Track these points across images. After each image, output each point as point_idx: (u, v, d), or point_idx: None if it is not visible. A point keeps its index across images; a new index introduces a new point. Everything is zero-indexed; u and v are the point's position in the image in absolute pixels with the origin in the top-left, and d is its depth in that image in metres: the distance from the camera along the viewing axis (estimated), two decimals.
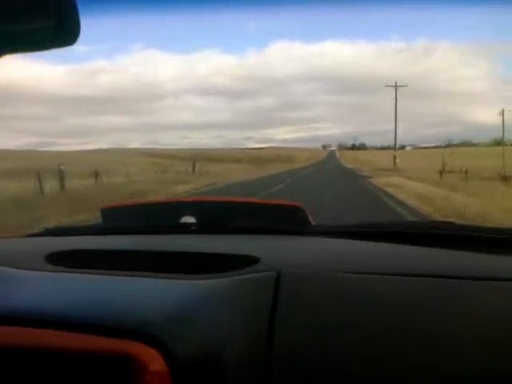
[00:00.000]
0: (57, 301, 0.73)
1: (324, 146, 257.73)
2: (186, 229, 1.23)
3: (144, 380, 0.56)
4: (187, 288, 0.77)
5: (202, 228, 1.22)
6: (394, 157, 31.95)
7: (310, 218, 1.25)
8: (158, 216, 1.37)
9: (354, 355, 0.64)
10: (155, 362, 0.57)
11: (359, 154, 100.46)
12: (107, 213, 1.41)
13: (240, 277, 0.80)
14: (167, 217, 1.34)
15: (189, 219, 1.24)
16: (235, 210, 1.35)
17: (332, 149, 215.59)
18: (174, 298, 0.73)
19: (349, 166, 46.54)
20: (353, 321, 0.69)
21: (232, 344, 0.65)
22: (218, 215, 1.29)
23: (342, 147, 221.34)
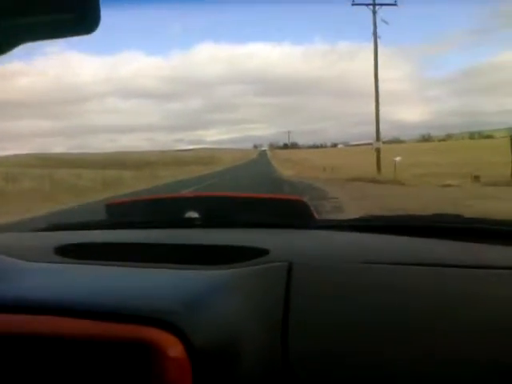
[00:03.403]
0: (73, 290, 0.73)
1: (255, 146, 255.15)
2: (191, 223, 1.22)
3: (163, 366, 0.57)
4: (201, 278, 0.77)
5: (206, 222, 1.21)
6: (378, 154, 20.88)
7: (314, 212, 1.24)
8: (162, 211, 1.37)
9: (367, 342, 0.65)
10: (174, 348, 0.58)
11: (293, 153, 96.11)
12: (112, 208, 1.43)
13: (252, 267, 0.80)
14: (171, 212, 1.35)
15: (193, 214, 1.24)
16: (239, 205, 1.35)
17: (263, 149, 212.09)
18: (189, 287, 0.73)
19: (284, 172, 29.93)
20: (365, 309, 0.69)
21: (248, 332, 0.66)
22: (222, 209, 1.30)
23: (273, 147, 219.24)
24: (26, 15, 0.50)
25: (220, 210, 1.31)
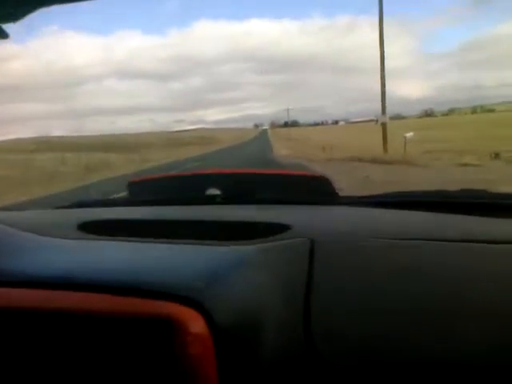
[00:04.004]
0: (95, 266, 0.73)
1: (256, 125, 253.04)
2: (212, 200, 1.22)
3: (185, 341, 0.57)
4: (222, 254, 0.77)
5: (227, 199, 1.22)
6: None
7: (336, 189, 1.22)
8: (183, 188, 1.38)
9: (391, 319, 0.64)
10: (196, 323, 0.58)
11: (293, 131, 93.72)
12: (134, 186, 1.42)
13: (274, 243, 0.80)
14: (193, 188, 1.35)
15: (214, 191, 1.25)
16: (260, 181, 1.33)
17: (264, 127, 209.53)
18: (211, 263, 0.73)
19: (281, 152, 27.51)
20: (388, 285, 0.69)
21: (270, 308, 0.65)
22: (244, 186, 1.30)
23: (274, 125, 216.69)
24: None
25: (242, 186, 1.30)
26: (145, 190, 1.42)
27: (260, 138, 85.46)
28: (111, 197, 1.81)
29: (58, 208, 1.40)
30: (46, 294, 0.64)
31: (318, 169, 12.06)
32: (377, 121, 19.45)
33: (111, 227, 0.98)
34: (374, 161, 14.62)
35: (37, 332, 0.62)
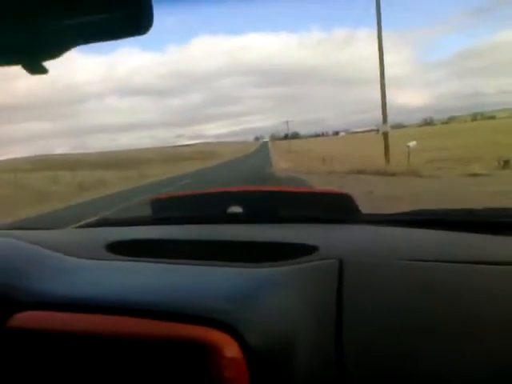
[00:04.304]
0: (126, 289, 0.74)
1: (257, 138, 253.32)
2: (237, 218, 1.22)
3: (220, 366, 0.58)
4: (252, 276, 0.77)
5: (250, 217, 1.22)
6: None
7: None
8: (205, 206, 1.37)
9: (421, 341, 0.63)
10: (231, 348, 0.59)
11: (294, 143, 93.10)
12: (157, 204, 1.43)
13: (302, 265, 0.80)
14: (215, 206, 1.34)
15: (236, 209, 1.24)
16: (283, 199, 1.32)
17: (265, 140, 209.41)
18: (241, 286, 0.73)
19: (280, 165, 26.40)
20: (418, 307, 0.68)
21: (302, 330, 0.65)
22: (266, 204, 1.29)
23: (274, 138, 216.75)
24: (79, 15, 0.49)
25: (265, 204, 1.29)
26: (168, 207, 1.42)
27: (260, 150, 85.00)
28: (134, 216, 1.61)
29: (82, 227, 1.42)
30: (76, 318, 0.65)
31: (317, 184, 11.30)
32: (377, 130, 18.56)
33: (136, 247, 0.99)
34: (377, 173, 13.86)
35: (64, 355, 0.63)
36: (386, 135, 17.14)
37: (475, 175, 11.62)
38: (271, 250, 0.91)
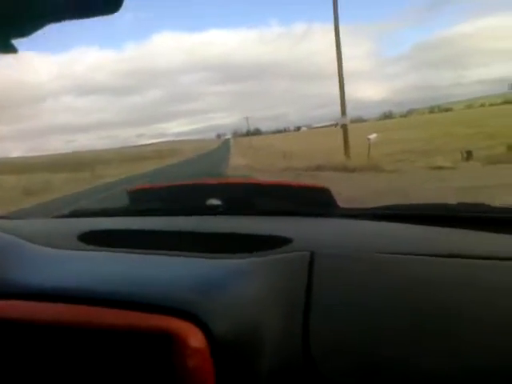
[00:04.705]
0: (95, 278, 0.74)
1: (218, 136, 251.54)
2: (213, 210, 1.22)
3: (185, 356, 0.58)
4: (221, 267, 0.77)
5: (228, 209, 1.21)
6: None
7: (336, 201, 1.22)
8: (183, 198, 1.37)
9: (390, 334, 0.63)
10: (195, 338, 0.59)
11: (255, 139, 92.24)
12: (133, 195, 1.42)
13: (274, 256, 0.80)
14: (193, 198, 1.34)
15: (215, 201, 1.24)
16: (261, 192, 1.34)
17: (227, 137, 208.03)
18: (210, 277, 0.73)
19: (236, 162, 26.27)
20: (389, 300, 0.68)
21: (269, 320, 0.65)
22: (244, 197, 1.30)
23: (236, 135, 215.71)
24: None
25: (243, 197, 1.30)
26: (144, 199, 1.41)
27: (221, 148, 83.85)
28: (110, 207, 1.36)
29: (58, 217, 1.39)
30: (41, 307, 0.65)
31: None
32: (337, 124, 17.69)
33: (110, 238, 0.98)
34: (336, 169, 12.94)
35: (33, 344, 0.63)
36: (345, 128, 16.30)
37: (439, 168, 10.94)
38: (244, 241, 0.91)
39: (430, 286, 0.70)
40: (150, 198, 1.39)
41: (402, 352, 0.61)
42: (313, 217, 1.14)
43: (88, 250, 0.91)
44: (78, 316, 0.63)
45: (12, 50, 0.52)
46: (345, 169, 12.76)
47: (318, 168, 13.70)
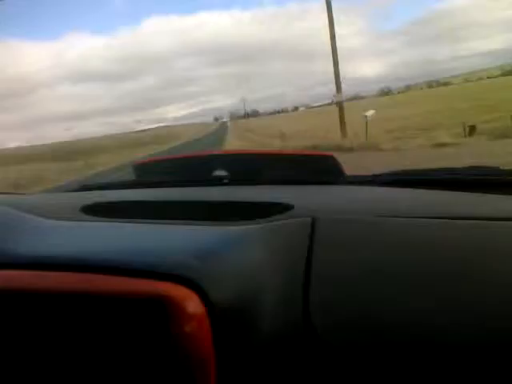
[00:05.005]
0: (92, 246, 0.74)
1: (216, 119, 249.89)
2: (219, 181, 1.22)
3: (181, 321, 0.58)
4: (221, 233, 0.77)
5: (234, 180, 1.21)
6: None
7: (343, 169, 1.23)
8: (189, 169, 1.37)
9: (392, 296, 0.63)
10: (192, 303, 0.58)
11: (253, 121, 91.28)
12: (139, 168, 1.42)
13: (274, 223, 0.79)
14: (199, 170, 1.35)
15: (221, 172, 1.24)
16: (268, 162, 1.33)
17: (224, 120, 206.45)
18: (209, 243, 0.73)
19: (233, 143, 26.05)
20: (392, 264, 0.68)
21: (269, 285, 0.65)
22: (251, 167, 1.29)
23: (234, 117, 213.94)
24: None
25: (249, 167, 1.29)
26: (150, 172, 1.39)
27: (218, 130, 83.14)
28: (116, 180, 1.46)
29: (64, 191, 1.37)
30: (40, 275, 0.65)
31: None
32: (332, 101, 16.87)
33: (114, 209, 0.99)
34: (333, 149, 12.16)
35: (34, 312, 0.63)
36: (340, 106, 15.54)
37: (442, 145, 10.28)
38: (246, 209, 0.90)
39: (432, 247, 0.69)
40: (157, 171, 1.38)
41: (403, 315, 0.60)
42: (317, 184, 1.13)
43: (90, 221, 0.91)
44: (72, 283, 0.62)
45: None
46: (340, 148, 12.11)
47: (314, 148, 13.07)
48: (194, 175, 1.30)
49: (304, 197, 0.99)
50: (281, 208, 0.86)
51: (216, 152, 1.47)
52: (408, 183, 1.03)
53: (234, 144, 24.41)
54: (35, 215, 0.91)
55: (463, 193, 0.92)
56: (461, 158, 7.37)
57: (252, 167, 1.29)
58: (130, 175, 1.40)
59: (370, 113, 14.88)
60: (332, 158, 1.22)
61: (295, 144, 15.44)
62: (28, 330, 0.63)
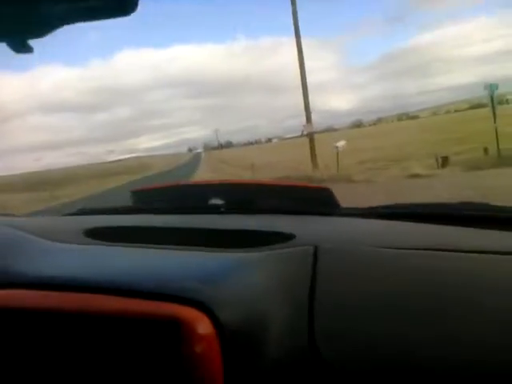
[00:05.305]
0: (103, 269, 0.76)
1: (190, 149, 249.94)
2: (216, 209, 1.22)
3: (192, 341, 0.59)
4: (228, 259, 0.78)
5: (231, 208, 1.21)
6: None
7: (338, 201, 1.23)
8: (186, 197, 1.38)
9: (391, 324, 0.64)
10: (202, 324, 0.60)
11: (226, 152, 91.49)
12: (137, 195, 1.45)
13: (278, 251, 0.81)
14: (196, 198, 1.35)
15: (217, 201, 1.24)
16: (264, 192, 1.34)
17: (198, 151, 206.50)
18: (216, 267, 0.74)
19: (205, 175, 26.19)
20: (392, 294, 0.69)
21: (274, 310, 0.66)
22: (247, 196, 1.30)
23: (208, 148, 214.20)
24: None
25: (245, 196, 1.29)
26: (148, 198, 1.41)
27: (191, 161, 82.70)
28: (115, 205, 1.36)
29: (66, 215, 1.39)
30: (55, 296, 0.66)
31: None
32: (302, 132, 16.44)
33: (116, 233, 0.99)
34: (302, 180, 11.64)
35: (47, 332, 0.65)
36: (311, 137, 15.11)
37: (415, 176, 9.91)
38: (248, 237, 0.91)
39: (430, 278, 0.71)
40: (154, 198, 1.40)
41: (405, 342, 0.61)
42: (315, 215, 1.13)
43: (93, 245, 0.92)
44: (88, 304, 0.63)
45: (27, 50, 0.53)
46: (311, 180, 11.56)
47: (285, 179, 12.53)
48: (190, 203, 1.29)
49: (304, 227, 0.98)
50: (283, 237, 0.86)
51: (213, 181, 1.46)
52: (402, 216, 1.04)
53: (205, 176, 23.87)
54: (39, 237, 0.92)
55: (456, 227, 0.93)
56: (436, 190, 6.95)
57: (247, 196, 1.27)
58: (127, 201, 1.40)
59: (341, 143, 14.48)
60: (328, 190, 1.22)
61: (265, 175, 14.94)
62: (38, 348, 0.64)
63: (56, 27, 0.52)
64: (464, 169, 10.21)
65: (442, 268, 0.73)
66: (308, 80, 15.61)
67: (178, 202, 1.31)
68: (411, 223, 0.99)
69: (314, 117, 15.40)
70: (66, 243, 0.91)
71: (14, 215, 1.41)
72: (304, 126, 15.35)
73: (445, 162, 11.59)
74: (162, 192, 1.46)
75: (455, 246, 0.80)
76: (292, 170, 14.57)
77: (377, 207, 1.16)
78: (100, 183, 36.16)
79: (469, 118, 46.10)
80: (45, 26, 0.52)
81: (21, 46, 0.53)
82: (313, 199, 1.24)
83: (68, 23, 0.51)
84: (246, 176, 16.80)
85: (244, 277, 0.71)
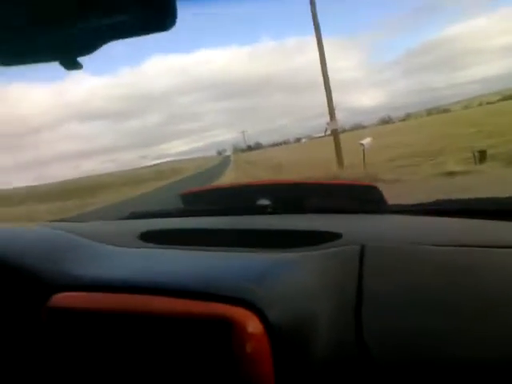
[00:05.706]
0: (157, 272, 0.78)
1: (219, 152, 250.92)
2: (264, 210, 1.22)
3: (243, 340, 0.61)
4: (275, 260, 0.79)
5: (277, 209, 1.21)
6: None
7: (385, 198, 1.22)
8: (233, 199, 1.40)
9: (441, 322, 0.64)
10: (252, 323, 0.62)
11: (255, 154, 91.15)
12: (186, 197, 1.48)
13: (325, 251, 0.82)
14: (243, 199, 1.37)
15: (265, 201, 1.25)
16: (310, 191, 1.35)
17: (226, 154, 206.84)
18: (264, 268, 0.75)
19: (232, 175, 27.05)
20: (438, 289, 0.69)
21: (322, 309, 0.68)
22: (294, 196, 1.31)
23: (237, 150, 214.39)
24: (108, 14, 0.52)
25: (293, 196, 1.30)
26: (197, 201, 1.44)
27: (220, 164, 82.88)
28: (166, 208, 1.41)
29: (119, 219, 1.42)
30: (110, 297, 0.70)
31: None
32: (326, 130, 15.63)
33: (167, 236, 1.02)
34: (328, 180, 11.04)
35: (107, 332, 0.68)
36: (336, 135, 14.34)
37: (451, 174, 9.08)
38: (295, 237, 0.91)
39: (481, 275, 0.69)
40: (202, 200, 1.43)
41: (453, 342, 0.61)
42: (362, 213, 1.12)
43: (147, 248, 0.94)
44: (142, 305, 0.66)
45: (77, 66, 0.57)
46: (336, 179, 10.82)
47: (310, 179, 11.89)
48: (238, 204, 1.29)
49: (350, 225, 0.98)
50: (329, 236, 0.86)
51: (260, 182, 1.47)
52: (450, 212, 1.02)
53: (227, 178, 23.64)
54: (94, 241, 0.95)
55: (506, 222, 0.90)
56: (478, 191, 6.11)
57: (294, 196, 1.29)
58: (177, 204, 1.43)
59: (367, 140, 13.49)
60: (375, 187, 1.22)
61: (289, 176, 14.38)
62: (99, 348, 0.68)
63: (102, 44, 0.55)
64: (504, 163, 9.35)
65: (494, 266, 0.71)
66: (335, 78, 15.05)
67: (226, 204, 1.31)
68: (461, 219, 0.95)
69: (341, 114, 14.95)
70: (120, 247, 0.94)
71: (67, 220, 1.44)
72: (328, 123, 14.60)
73: (482, 156, 10.63)
74: (209, 194, 1.50)
75: (505, 242, 0.77)
76: (317, 170, 13.90)
77: (425, 203, 1.13)
78: (131, 190, 36.36)
79: (501, 110, 44.09)
80: (92, 44, 0.55)
81: (71, 64, 0.56)
82: (360, 197, 1.23)
83: (113, 40, 0.54)
84: (267, 176, 16.26)
85: (292, 276, 0.71)
